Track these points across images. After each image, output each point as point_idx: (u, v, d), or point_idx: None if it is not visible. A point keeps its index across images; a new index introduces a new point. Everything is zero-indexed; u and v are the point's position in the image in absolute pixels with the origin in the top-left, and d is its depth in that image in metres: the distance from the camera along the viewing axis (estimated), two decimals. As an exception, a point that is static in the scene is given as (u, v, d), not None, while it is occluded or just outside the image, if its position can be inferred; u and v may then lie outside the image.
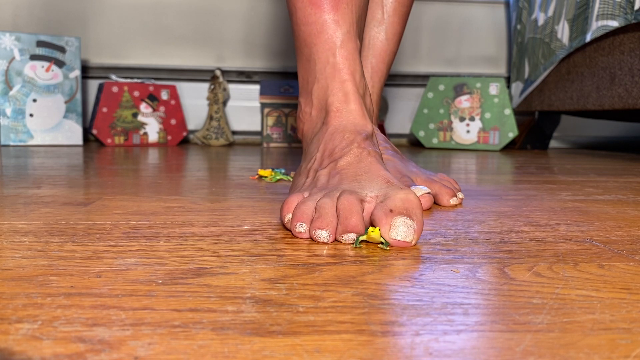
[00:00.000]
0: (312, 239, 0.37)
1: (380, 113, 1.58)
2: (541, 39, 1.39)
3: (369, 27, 0.68)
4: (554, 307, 0.25)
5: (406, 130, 1.67)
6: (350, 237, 0.36)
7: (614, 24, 1.09)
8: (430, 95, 1.49)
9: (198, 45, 1.57)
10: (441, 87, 1.48)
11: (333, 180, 0.41)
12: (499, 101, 1.45)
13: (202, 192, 0.59)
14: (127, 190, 0.59)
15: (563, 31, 1.28)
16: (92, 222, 0.42)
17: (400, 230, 0.35)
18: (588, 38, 1.18)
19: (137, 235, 0.38)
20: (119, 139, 1.38)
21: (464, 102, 1.47)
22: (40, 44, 1.29)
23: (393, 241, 0.35)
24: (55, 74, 1.30)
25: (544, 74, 1.38)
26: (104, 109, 1.36)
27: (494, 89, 1.45)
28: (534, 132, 1.53)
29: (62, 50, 1.31)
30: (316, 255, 0.33)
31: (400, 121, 1.67)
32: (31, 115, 1.29)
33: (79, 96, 1.33)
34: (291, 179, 0.71)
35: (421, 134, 1.50)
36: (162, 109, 1.43)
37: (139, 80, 1.41)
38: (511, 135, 1.44)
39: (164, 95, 1.44)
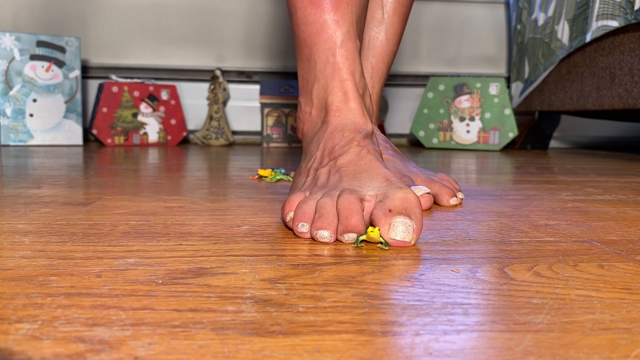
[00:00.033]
0: (313, 238, 0.37)
1: (380, 113, 1.58)
2: (541, 39, 1.39)
3: (369, 27, 0.68)
4: (554, 307, 0.25)
5: (406, 130, 1.67)
6: (350, 237, 0.36)
7: (614, 24, 1.09)
8: (430, 95, 1.49)
9: (198, 45, 1.57)
10: (441, 87, 1.48)
11: (333, 179, 0.41)
12: (499, 101, 1.45)
13: (202, 192, 0.59)
14: (127, 190, 0.59)
15: (563, 31, 1.28)
16: (92, 222, 0.42)
17: (400, 230, 0.35)
18: (588, 38, 1.18)
19: (137, 235, 0.38)
20: (119, 139, 1.38)
21: (464, 102, 1.47)
22: (40, 44, 1.29)
23: (392, 241, 0.35)
24: (55, 74, 1.30)
25: (544, 74, 1.39)
26: (104, 109, 1.36)
27: (494, 89, 1.45)
28: (534, 132, 1.53)
29: (62, 50, 1.31)
30: (316, 255, 0.33)
31: (400, 121, 1.67)
32: (31, 115, 1.29)
33: (79, 96, 1.34)
34: (291, 179, 0.71)
35: (421, 134, 1.50)
36: (162, 109, 1.43)
37: (139, 80, 1.41)
38: (511, 135, 1.44)
39: (164, 95, 1.44)
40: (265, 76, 1.59)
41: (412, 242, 0.36)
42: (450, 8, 1.66)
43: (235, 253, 0.33)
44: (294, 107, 1.50)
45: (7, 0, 1.48)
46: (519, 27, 1.54)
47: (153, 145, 1.42)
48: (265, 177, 0.72)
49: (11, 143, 1.28)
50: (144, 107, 1.41)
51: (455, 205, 0.53)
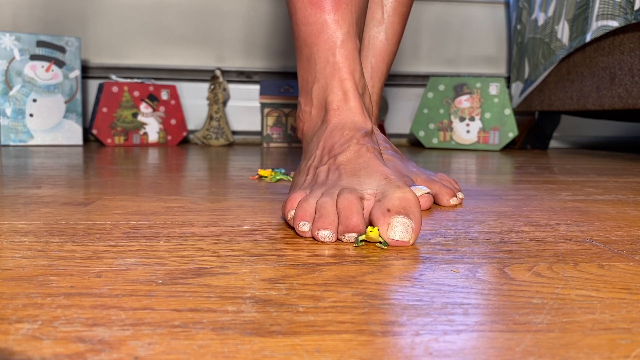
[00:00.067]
0: (314, 238, 0.37)
1: (380, 113, 1.58)
2: (541, 39, 1.39)
3: (369, 27, 0.68)
4: (554, 307, 0.25)
5: (406, 130, 1.67)
6: (351, 236, 0.36)
7: (614, 24, 1.09)
8: (430, 95, 1.49)
9: (198, 45, 1.57)
10: (441, 87, 1.48)
11: (332, 176, 0.41)
12: (499, 101, 1.45)
13: (202, 192, 0.59)
14: (127, 190, 0.59)
15: (563, 31, 1.28)
16: (92, 222, 0.42)
17: (398, 230, 0.35)
18: (588, 38, 1.18)
19: (137, 235, 0.38)
20: (119, 139, 1.38)
21: (464, 102, 1.47)
22: (40, 44, 1.29)
23: (391, 241, 0.35)
24: (55, 74, 1.30)
25: (544, 74, 1.39)
26: (104, 109, 1.36)
27: (494, 89, 1.45)
28: (534, 132, 1.53)
29: (62, 50, 1.31)
30: (316, 255, 0.33)
31: (400, 121, 1.67)
32: (31, 115, 1.29)
33: (79, 96, 1.34)
34: (291, 179, 0.71)
35: (421, 134, 1.50)
36: (162, 109, 1.43)
37: (139, 80, 1.41)
38: (511, 135, 1.44)
39: (164, 95, 1.44)
40: (265, 76, 1.59)
41: (411, 242, 0.36)
42: (450, 8, 1.66)
43: (235, 253, 0.33)
44: (294, 107, 1.50)
45: (7, 0, 1.48)
46: (519, 27, 1.54)
47: (153, 145, 1.42)
48: (265, 177, 0.72)
49: (11, 143, 1.28)
50: (144, 107, 1.41)
51: (455, 205, 0.53)
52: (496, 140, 1.45)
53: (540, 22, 1.40)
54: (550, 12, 1.35)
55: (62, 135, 1.32)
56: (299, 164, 0.52)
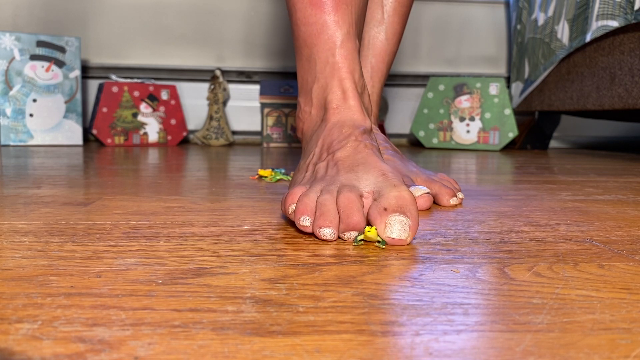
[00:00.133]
0: (315, 235, 0.37)
1: (380, 113, 1.58)
2: (541, 39, 1.39)
3: (368, 27, 0.68)
4: (554, 307, 0.25)
5: (406, 130, 1.67)
6: (352, 234, 0.36)
7: (614, 24, 1.09)
8: (430, 95, 1.49)
9: (198, 45, 1.57)
10: (441, 87, 1.48)
11: (331, 172, 0.41)
12: (499, 101, 1.45)
13: (202, 192, 0.59)
14: (127, 190, 0.59)
15: (563, 31, 1.28)
16: (92, 222, 0.42)
17: (395, 228, 0.35)
18: (588, 38, 1.18)
19: (137, 235, 0.38)
20: (119, 139, 1.38)
21: (464, 102, 1.47)
22: (40, 44, 1.29)
23: (389, 239, 0.36)
24: (55, 74, 1.30)
25: (544, 74, 1.39)
26: (104, 109, 1.36)
27: (494, 89, 1.45)
28: (534, 132, 1.53)
29: (62, 50, 1.31)
30: (316, 255, 0.33)
31: (400, 121, 1.67)
32: (31, 115, 1.29)
33: (79, 96, 1.34)
34: (291, 179, 0.71)
35: (421, 134, 1.50)
36: (162, 109, 1.43)
37: (139, 80, 1.41)
38: (511, 135, 1.44)
39: (164, 95, 1.44)
40: (265, 76, 1.59)
41: (409, 240, 0.36)
42: (450, 8, 1.66)
43: (235, 253, 0.34)
44: (294, 107, 1.50)
45: (7, 0, 1.48)
46: (519, 27, 1.54)
47: (153, 145, 1.42)
48: (265, 177, 0.72)
49: (11, 143, 1.28)
50: (144, 107, 1.41)
51: (455, 205, 0.53)
52: (496, 140, 1.45)
53: (540, 22, 1.40)
54: (550, 12, 1.35)
55: (62, 135, 1.32)
56: (299, 162, 0.53)
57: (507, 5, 1.67)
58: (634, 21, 1.03)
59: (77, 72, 1.33)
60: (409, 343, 0.21)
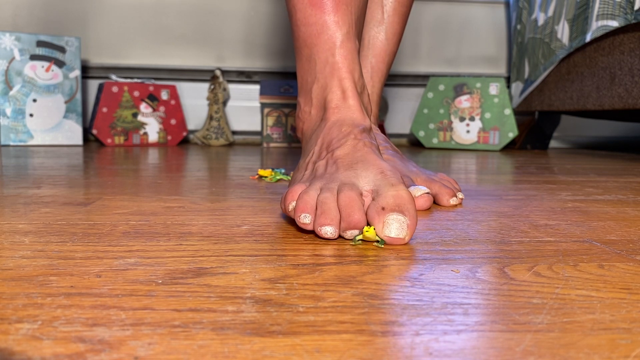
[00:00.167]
0: (316, 233, 0.37)
1: (380, 113, 1.58)
2: (541, 39, 1.39)
3: (368, 27, 0.68)
4: (554, 307, 0.25)
5: (406, 130, 1.67)
6: (353, 233, 0.36)
7: (614, 24, 1.09)
8: (430, 95, 1.49)
9: (198, 45, 1.57)
10: (441, 87, 1.48)
11: (330, 169, 0.41)
12: (499, 101, 1.45)
13: (202, 192, 0.59)
14: (127, 190, 0.59)
15: (563, 31, 1.28)
16: (92, 222, 0.42)
17: (394, 227, 0.35)
18: (588, 38, 1.18)
19: (137, 235, 0.38)
20: (119, 139, 1.38)
21: (464, 102, 1.47)
22: (40, 44, 1.29)
23: (387, 238, 0.36)
24: (55, 74, 1.30)
25: (544, 74, 1.39)
26: (104, 109, 1.36)
27: (494, 89, 1.45)
28: (534, 132, 1.53)
29: (62, 50, 1.31)
30: (316, 255, 0.33)
31: (400, 121, 1.67)
32: (31, 115, 1.29)
33: (79, 96, 1.34)
34: (290, 179, 0.71)
35: (421, 134, 1.50)
36: (162, 109, 1.43)
37: (139, 80, 1.41)
38: (511, 135, 1.44)
39: (164, 95, 1.44)
40: (265, 76, 1.59)
41: (407, 239, 0.36)
42: (450, 8, 1.66)
43: (235, 253, 0.34)
44: (294, 107, 1.50)
45: (7, 0, 1.48)
46: (519, 27, 1.54)
47: (153, 145, 1.42)
48: (265, 177, 0.72)
49: (11, 143, 1.28)
50: (144, 107, 1.41)
51: (455, 205, 0.53)
52: (496, 140, 1.45)
53: (540, 22, 1.40)
54: (550, 12, 1.35)
55: (62, 135, 1.32)
56: (298, 161, 0.53)
57: (507, 5, 1.67)
58: (634, 21, 1.03)
59: (77, 72, 1.33)
60: (409, 343, 0.21)
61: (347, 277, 0.29)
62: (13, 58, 1.26)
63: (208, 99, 1.52)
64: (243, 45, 1.59)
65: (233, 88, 1.59)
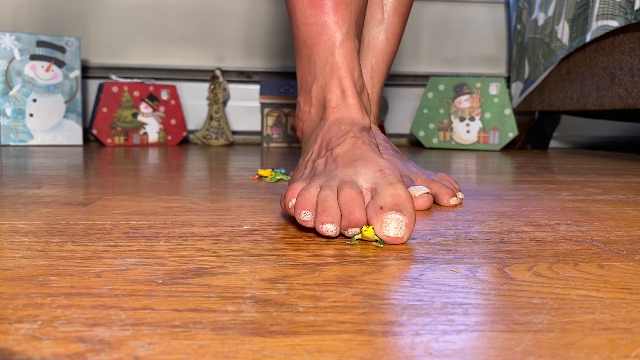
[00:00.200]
0: (317, 231, 0.37)
1: (380, 113, 1.58)
2: (541, 39, 1.39)
3: (368, 27, 0.68)
4: (554, 307, 0.25)
5: (406, 130, 1.67)
6: (354, 231, 0.36)
7: (614, 24, 1.09)
8: (430, 95, 1.49)
9: (198, 45, 1.57)
10: (441, 87, 1.48)
11: (330, 167, 0.42)
12: (499, 101, 1.45)
13: (202, 192, 0.59)
14: (127, 190, 0.59)
15: (563, 31, 1.28)
16: (92, 222, 0.42)
17: (392, 226, 0.35)
18: (588, 38, 1.18)
19: (137, 235, 0.38)
20: (119, 139, 1.38)
21: (464, 102, 1.47)
22: (40, 44, 1.29)
23: (386, 238, 0.36)
24: (55, 74, 1.30)
25: (544, 74, 1.39)
26: (104, 109, 1.36)
27: (494, 89, 1.45)
28: (534, 132, 1.53)
29: (62, 50, 1.31)
30: (316, 255, 0.33)
31: (400, 121, 1.67)
32: (31, 115, 1.29)
33: (79, 96, 1.34)
34: (290, 178, 0.71)
35: (421, 134, 1.50)
36: (162, 109, 1.43)
37: (139, 80, 1.41)
38: (511, 135, 1.44)
39: (164, 95, 1.44)
40: (265, 76, 1.59)
41: (405, 238, 0.36)
42: (450, 8, 1.66)
43: (235, 253, 0.33)
44: (294, 107, 1.50)
45: (7, 0, 1.48)
46: (519, 27, 1.54)
47: (153, 145, 1.42)
48: (265, 177, 0.72)
49: (11, 143, 1.28)
50: (144, 107, 1.41)
51: (455, 205, 0.53)
52: (496, 140, 1.45)
53: (540, 22, 1.40)
54: (550, 12, 1.35)
55: (62, 135, 1.32)
56: (298, 161, 0.53)
57: (507, 5, 1.67)
58: (634, 21, 1.03)
59: (77, 72, 1.33)
60: (409, 343, 0.21)
61: (347, 277, 0.29)
62: (13, 58, 1.26)
63: (208, 99, 1.52)
64: (243, 45, 1.59)
65: (233, 88, 1.59)
